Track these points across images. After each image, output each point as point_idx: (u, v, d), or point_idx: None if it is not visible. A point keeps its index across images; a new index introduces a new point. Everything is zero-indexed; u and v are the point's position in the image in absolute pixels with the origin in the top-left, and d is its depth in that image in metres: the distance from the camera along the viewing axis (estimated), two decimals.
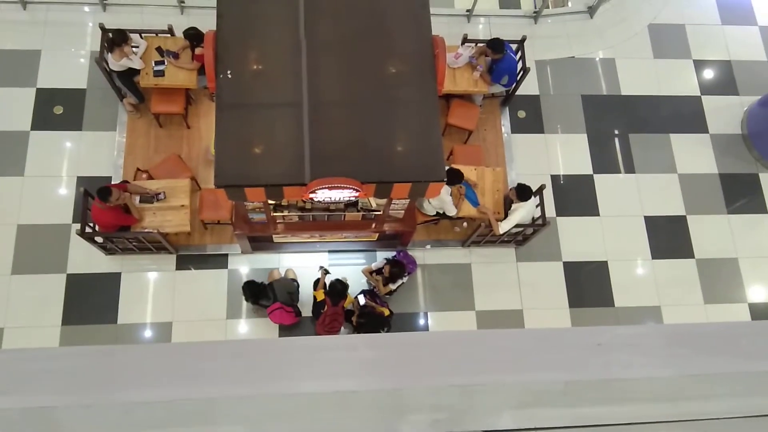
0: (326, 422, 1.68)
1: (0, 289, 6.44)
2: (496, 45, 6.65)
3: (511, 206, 6.43)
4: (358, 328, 6.26)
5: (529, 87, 7.73)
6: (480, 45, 6.98)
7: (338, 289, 6.18)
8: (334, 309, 6.16)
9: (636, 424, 1.76)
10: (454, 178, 6.11)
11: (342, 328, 6.35)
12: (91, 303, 6.51)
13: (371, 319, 6.15)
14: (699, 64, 8.35)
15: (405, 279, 6.56)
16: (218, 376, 1.53)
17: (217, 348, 1.71)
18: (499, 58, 6.74)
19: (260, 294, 6.21)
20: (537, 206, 6.51)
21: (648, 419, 1.77)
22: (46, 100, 7.20)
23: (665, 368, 1.71)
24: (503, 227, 6.25)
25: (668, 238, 7.45)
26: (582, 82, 8.08)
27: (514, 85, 7.22)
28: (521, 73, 7.02)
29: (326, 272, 6.52)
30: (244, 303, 6.56)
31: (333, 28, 5.20)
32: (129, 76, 6.57)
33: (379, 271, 6.50)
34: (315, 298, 6.32)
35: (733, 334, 1.85)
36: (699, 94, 8.20)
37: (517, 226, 6.38)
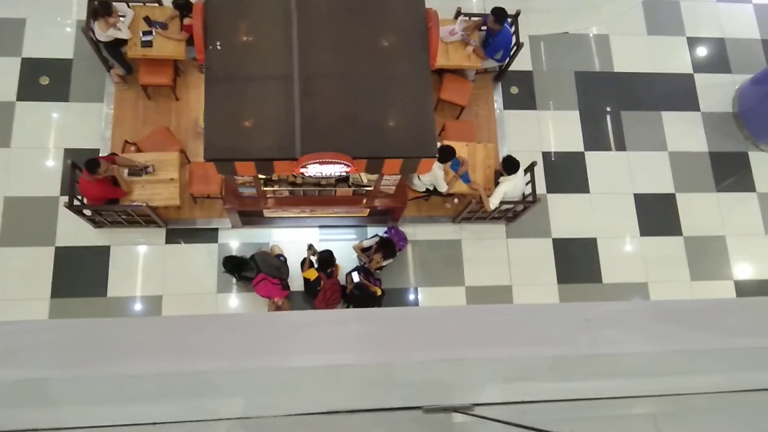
0: (318, 395, 1.69)
1: None
2: (499, 14, 6.53)
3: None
4: (350, 298, 6.28)
5: (522, 63, 7.68)
6: (474, 19, 6.91)
7: (326, 257, 6.18)
8: (331, 281, 6.18)
9: (622, 398, 1.79)
10: (446, 155, 6.09)
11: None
12: (80, 276, 6.49)
13: (364, 293, 6.18)
14: (692, 41, 8.32)
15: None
16: (210, 349, 1.54)
17: (208, 322, 1.72)
18: (498, 30, 6.66)
19: (241, 266, 6.15)
20: (528, 183, 6.52)
21: (634, 393, 1.80)
22: (31, 70, 7.07)
23: (651, 344, 1.73)
24: (492, 202, 6.26)
25: (657, 215, 7.51)
26: (575, 59, 8.03)
27: (507, 61, 7.16)
28: (515, 48, 6.96)
29: (315, 251, 6.49)
30: (235, 278, 6.56)
31: (325, 0, 5.11)
32: (116, 46, 6.45)
33: (368, 249, 6.50)
34: (307, 279, 6.28)
35: (719, 311, 1.87)
36: (692, 71, 8.19)
37: (507, 202, 6.39)
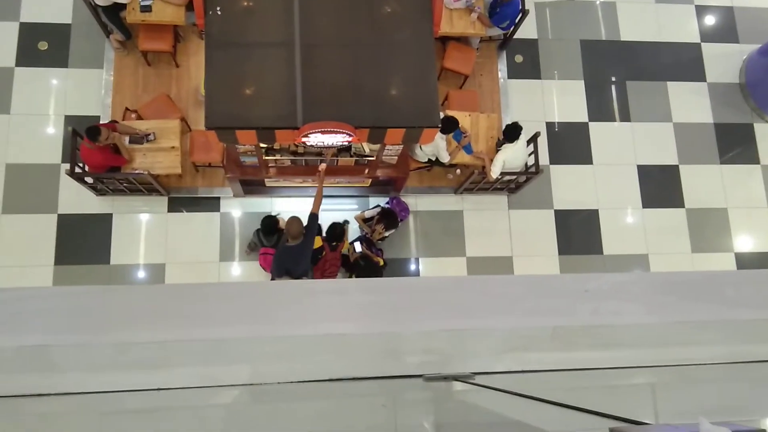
0: (321, 363, 1.71)
1: None
2: None
3: None
4: (354, 268, 6.30)
5: (527, 30, 7.56)
6: None
7: (337, 232, 6.18)
8: (333, 254, 6.19)
9: (621, 369, 1.80)
10: (449, 126, 6.04)
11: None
12: (83, 243, 6.52)
13: (368, 263, 6.21)
14: (701, 10, 8.17)
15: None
16: (213, 317, 1.54)
17: (211, 290, 1.72)
18: (508, 1, 6.54)
19: (270, 232, 6.14)
20: (530, 154, 6.47)
21: (633, 364, 1.82)
22: (29, 34, 6.97)
23: (651, 315, 1.73)
24: (494, 171, 6.22)
25: (660, 187, 7.49)
26: (581, 27, 7.90)
27: (512, 29, 7.05)
28: (520, 15, 6.84)
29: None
30: (237, 246, 6.60)
31: None
32: (115, 11, 6.35)
33: (370, 220, 6.50)
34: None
35: (719, 283, 1.88)
36: (699, 41, 8.06)
37: (510, 173, 6.36)
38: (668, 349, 1.82)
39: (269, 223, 6.09)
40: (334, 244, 6.22)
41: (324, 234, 6.28)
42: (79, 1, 6.58)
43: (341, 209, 6.85)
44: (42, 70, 6.90)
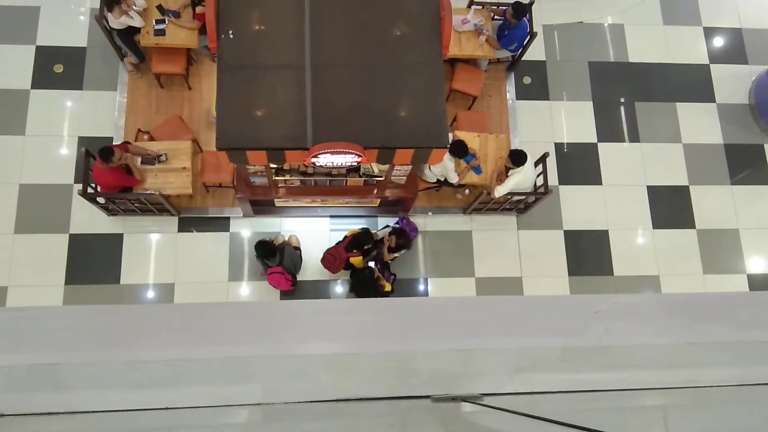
0: (329, 383, 1.71)
1: (3, 248, 6.49)
2: (519, 9, 6.46)
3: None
4: (354, 274, 6.36)
5: (535, 52, 7.62)
6: (488, 7, 6.85)
7: (360, 242, 6.16)
8: (343, 254, 6.20)
9: (632, 390, 1.78)
10: (459, 151, 6.06)
11: (341, 272, 6.55)
12: (93, 263, 6.56)
13: (369, 277, 6.19)
14: (709, 32, 8.20)
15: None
16: (222, 336, 1.55)
17: (221, 309, 1.73)
18: (515, 24, 6.60)
19: (269, 255, 6.20)
20: (539, 175, 6.47)
21: (644, 386, 1.80)
22: (46, 58, 7.11)
23: (662, 336, 1.72)
24: (499, 190, 6.22)
25: (670, 208, 7.44)
26: (589, 49, 7.95)
27: (520, 51, 7.10)
28: (528, 37, 6.90)
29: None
30: (246, 266, 6.61)
31: None
32: (129, 34, 6.47)
33: (381, 240, 6.51)
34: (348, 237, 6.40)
35: (731, 305, 1.86)
36: (708, 62, 8.08)
37: (519, 193, 6.36)
38: (679, 370, 1.80)
39: (265, 248, 6.14)
40: (352, 249, 6.20)
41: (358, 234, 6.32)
42: (94, 25, 6.72)
43: (350, 229, 6.86)
44: (57, 92, 7.03)
